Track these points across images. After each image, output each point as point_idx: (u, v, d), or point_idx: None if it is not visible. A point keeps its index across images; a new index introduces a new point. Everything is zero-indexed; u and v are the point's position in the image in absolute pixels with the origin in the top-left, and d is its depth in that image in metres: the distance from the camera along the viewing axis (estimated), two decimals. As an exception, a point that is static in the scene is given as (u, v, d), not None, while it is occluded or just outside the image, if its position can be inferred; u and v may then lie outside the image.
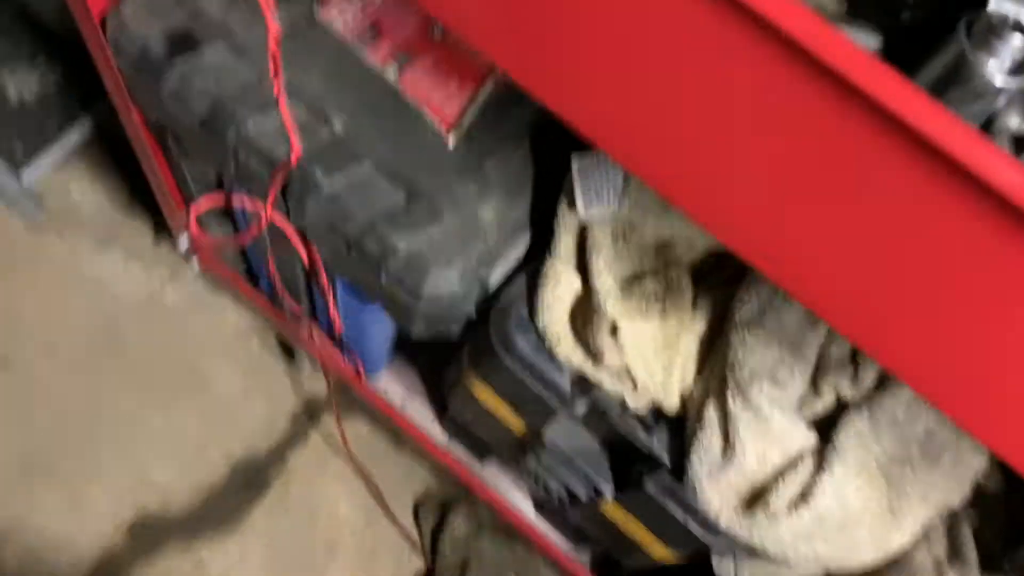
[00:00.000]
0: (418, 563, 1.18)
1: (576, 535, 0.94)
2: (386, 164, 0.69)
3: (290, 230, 0.75)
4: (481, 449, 0.96)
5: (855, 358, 0.59)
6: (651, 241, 0.66)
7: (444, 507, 1.13)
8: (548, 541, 0.98)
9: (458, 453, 1.03)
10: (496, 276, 0.68)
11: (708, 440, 0.60)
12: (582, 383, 0.66)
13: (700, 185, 0.41)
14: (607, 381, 0.63)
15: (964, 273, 0.33)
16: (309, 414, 1.21)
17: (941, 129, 0.29)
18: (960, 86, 0.34)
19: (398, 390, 1.06)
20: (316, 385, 1.22)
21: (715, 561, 0.67)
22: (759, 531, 0.58)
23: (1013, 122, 0.35)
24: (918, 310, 0.36)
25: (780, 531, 0.57)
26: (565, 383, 0.66)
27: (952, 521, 0.60)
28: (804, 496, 0.56)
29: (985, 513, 0.59)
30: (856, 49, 0.30)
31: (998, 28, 0.33)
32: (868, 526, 0.58)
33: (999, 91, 0.34)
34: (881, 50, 0.38)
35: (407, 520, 1.18)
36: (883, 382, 0.58)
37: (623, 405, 0.64)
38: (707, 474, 0.60)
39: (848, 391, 0.58)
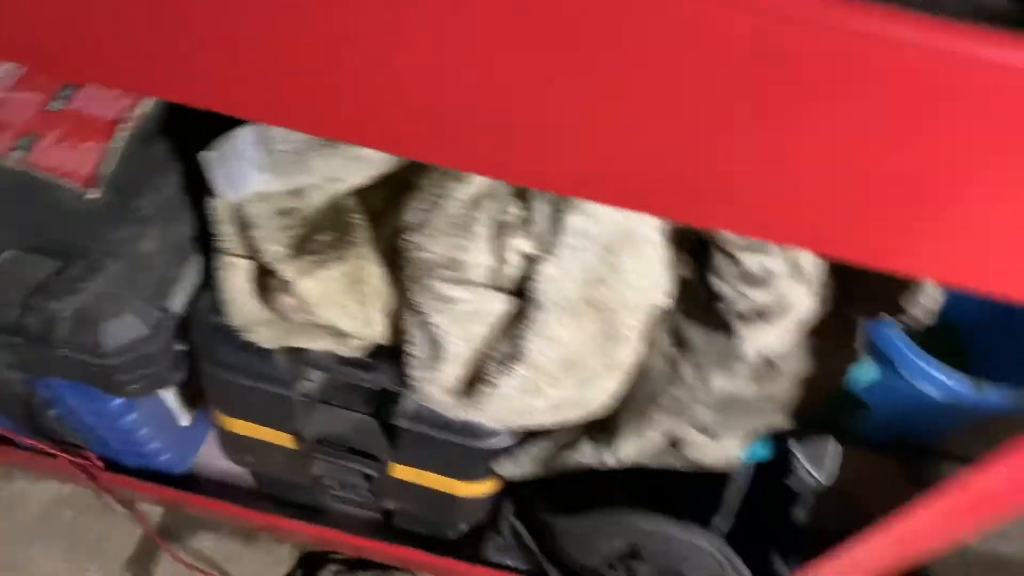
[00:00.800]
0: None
1: (424, 525, 0.87)
2: (30, 244, 0.63)
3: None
4: (307, 494, 0.89)
5: (526, 221, 0.59)
6: (322, 200, 0.63)
7: (309, 572, 1.04)
8: (413, 552, 0.91)
9: (295, 512, 0.95)
10: (178, 301, 0.63)
11: (416, 347, 0.57)
12: (299, 360, 0.62)
13: (341, 101, 0.38)
14: (315, 343, 0.59)
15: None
16: (146, 556, 1.09)
17: None
18: None
19: (214, 473, 0.97)
20: (145, 522, 1.11)
21: (498, 468, 0.63)
22: (488, 404, 0.55)
23: None
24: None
25: (507, 394, 0.55)
26: (284, 368, 0.62)
27: (667, 316, 0.59)
28: (514, 354, 0.54)
29: (691, 297, 0.59)
30: None
31: None
32: (592, 355, 0.56)
33: None
34: None
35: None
36: (555, 225, 0.57)
37: (342, 359, 0.61)
38: (428, 379, 0.56)
39: (529, 247, 0.57)
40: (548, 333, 0.54)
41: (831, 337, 0.58)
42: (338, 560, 1.06)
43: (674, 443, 0.60)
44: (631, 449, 0.60)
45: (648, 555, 0.62)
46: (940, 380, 0.94)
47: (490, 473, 0.66)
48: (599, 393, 0.58)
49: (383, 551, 0.94)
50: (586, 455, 0.61)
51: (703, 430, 0.59)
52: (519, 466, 0.63)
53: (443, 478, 0.68)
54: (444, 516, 0.79)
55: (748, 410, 0.59)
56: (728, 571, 0.61)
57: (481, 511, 0.76)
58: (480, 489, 0.70)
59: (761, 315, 0.52)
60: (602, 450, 0.60)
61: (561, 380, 0.56)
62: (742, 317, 0.53)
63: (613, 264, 0.55)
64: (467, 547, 0.90)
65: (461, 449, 0.62)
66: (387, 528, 0.90)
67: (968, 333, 1.36)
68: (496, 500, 0.73)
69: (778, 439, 0.66)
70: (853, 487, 1.37)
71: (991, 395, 1.01)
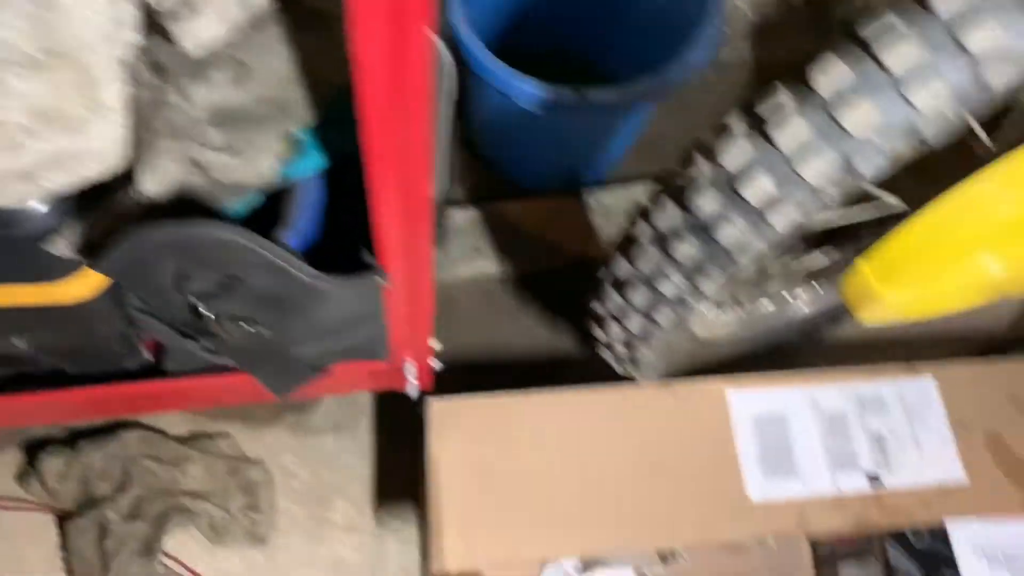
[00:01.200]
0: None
1: (93, 361, 0.88)
2: None
3: None
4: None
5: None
6: None
7: (32, 460, 1.04)
8: (103, 391, 0.92)
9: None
10: None
11: None
12: None
13: None
14: None
15: None
16: None
17: None
18: None
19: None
20: None
21: (53, 248, 0.64)
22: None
23: None
24: None
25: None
26: None
27: (145, 50, 0.61)
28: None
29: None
30: None
31: None
32: (71, 102, 0.57)
33: None
34: None
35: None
36: None
37: None
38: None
39: None
40: (2, 90, 0.55)
41: (302, 29, 0.63)
42: (56, 440, 1.06)
43: (199, 169, 0.64)
44: (153, 182, 0.63)
45: (194, 270, 0.67)
46: (523, 88, 1.03)
47: (64, 265, 0.67)
48: (101, 140, 0.60)
49: (80, 401, 0.94)
50: (122, 202, 0.63)
51: (219, 149, 0.63)
52: (70, 238, 0.64)
53: (28, 288, 0.68)
54: (94, 340, 0.80)
55: (254, 119, 0.63)
56: (270, 256, 0.66)
57: (113, 317, 0.77)
58: (79, 289, 0.71)
59: (187, 6, 0.55)
60: (131, 191, 0.63)
61: (41, 131, 0.57)
62: (168, 16, 0.56)
63: (50, 7, 0.56)
64: (154, 371, 0.93)
65: (7, 245, 0.63)
66: (70, 379, 0.90)
67: (603, 64, 1.48)
68: (115, 300, 0.75)
69: (337, 145, 0.70)
70: (549, 230, 1.50)
71: (596, 97, 1.11)
